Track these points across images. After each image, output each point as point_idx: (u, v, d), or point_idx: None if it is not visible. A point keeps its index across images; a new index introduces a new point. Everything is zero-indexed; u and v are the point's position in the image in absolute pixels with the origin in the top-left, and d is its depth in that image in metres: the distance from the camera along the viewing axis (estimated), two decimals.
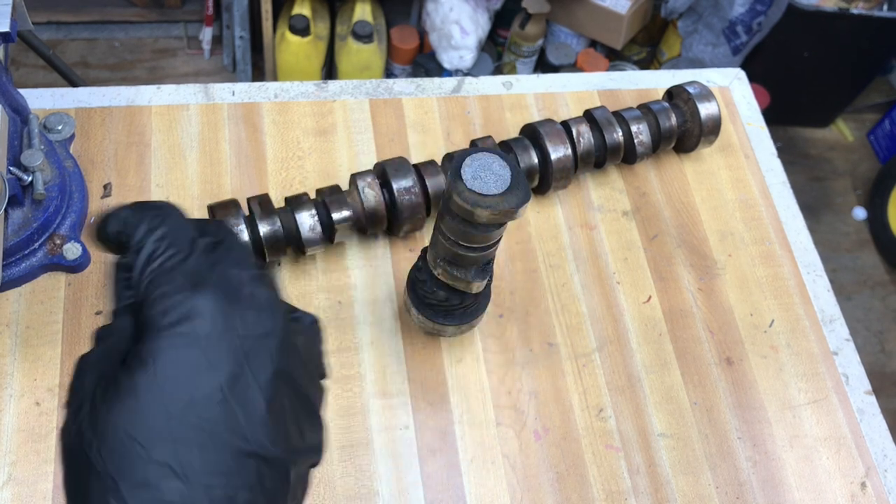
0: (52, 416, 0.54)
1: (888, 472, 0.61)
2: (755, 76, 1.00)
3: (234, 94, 0.70)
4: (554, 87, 0.76)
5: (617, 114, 0.69)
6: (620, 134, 0.68)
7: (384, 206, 0.61)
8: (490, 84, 0.75)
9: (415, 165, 0.62)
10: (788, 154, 2.06)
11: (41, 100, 0.67)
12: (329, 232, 0.60)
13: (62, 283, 0.59)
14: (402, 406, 0.58)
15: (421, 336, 0.61)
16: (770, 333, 0.65)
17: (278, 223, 0.58)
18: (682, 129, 0.71)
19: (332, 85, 0.72)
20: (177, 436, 0.28)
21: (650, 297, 0.65)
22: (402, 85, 0.74)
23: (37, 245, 0.57)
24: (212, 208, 0.58)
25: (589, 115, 0.68)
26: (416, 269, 0.57)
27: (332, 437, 0.56)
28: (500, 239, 0.50)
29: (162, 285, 0.31)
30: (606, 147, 0.67)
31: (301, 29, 1.69)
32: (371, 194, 0.60)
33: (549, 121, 0.66)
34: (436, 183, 0.62)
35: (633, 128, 0.68)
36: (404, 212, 0.60)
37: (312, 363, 0.35)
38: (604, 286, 0.65)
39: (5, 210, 0.53)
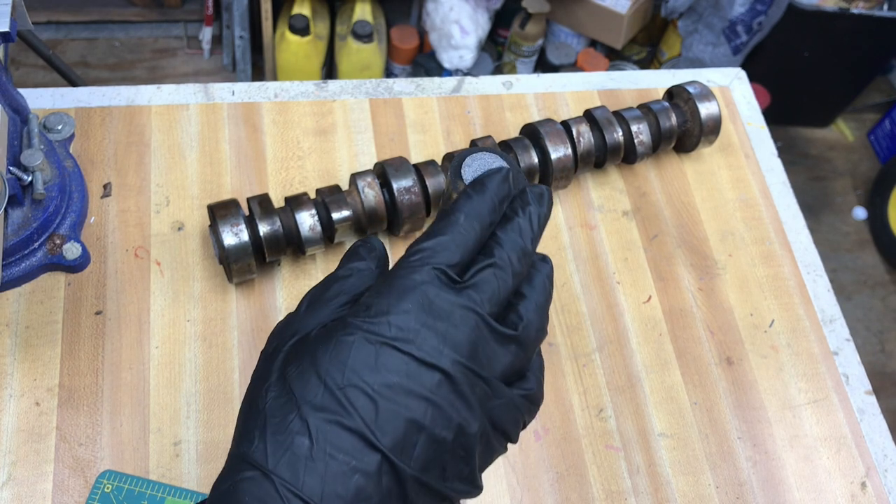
0: (52, 416, 0.54)
1: (888, 472, 0.61)
2: (755, 76, 1.00)
3: (233, 94, 0.70)
4: (554, 86, 0.76)
5: (617, 113, 0.69)
6: (620, 134, 0.68)
7: (384, 206, 0.61)
8: (490, 84, 0.75)
9: (415, 165, 0.62)
10: (789, 154, 2.06)
11: (41, 99, 0.67)
12: (329, 232, 0.60)
13: (62, 282, 0.59)
14: None
15: None
16: (770, 333, 0.65)
17: (278, 223, 0.58)
18: (683, 128, 0.71)
19: (332, 85, 0.72)
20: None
21: (650, 297, 0.65)
22: (402, 85, 0.74)
23: (36, 245, 0.57)
24: (211, 208, 0.58)
25: (589, 115, 0.68)
26: None
27: None
28: None
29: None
30: (606, 147, 0.67)
31: (301, 28, 1.69)
32: (371, 194, 0.60)
33: (549, 120, 0.66)
34: (436, 183, 0.62)
35: (634, 127, 0.68)
36: (404, 211, 0.60)
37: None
38: (604, 286, 0.65)
39: (5, 210, 0.53)
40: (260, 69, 1.89)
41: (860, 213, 1.98)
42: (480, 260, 0.35)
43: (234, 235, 0.56)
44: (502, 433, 0.35)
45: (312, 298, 0.37)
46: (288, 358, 0.33)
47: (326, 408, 0.30)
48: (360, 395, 0.31)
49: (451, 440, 0.32)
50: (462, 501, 0.35)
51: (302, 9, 1.72)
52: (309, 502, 0.29)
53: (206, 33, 1.91)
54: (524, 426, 0.37)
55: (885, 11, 1.74)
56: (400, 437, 0.31)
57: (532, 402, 0.36)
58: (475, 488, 0.35)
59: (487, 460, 0.35)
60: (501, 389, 0.34)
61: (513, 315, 0.35)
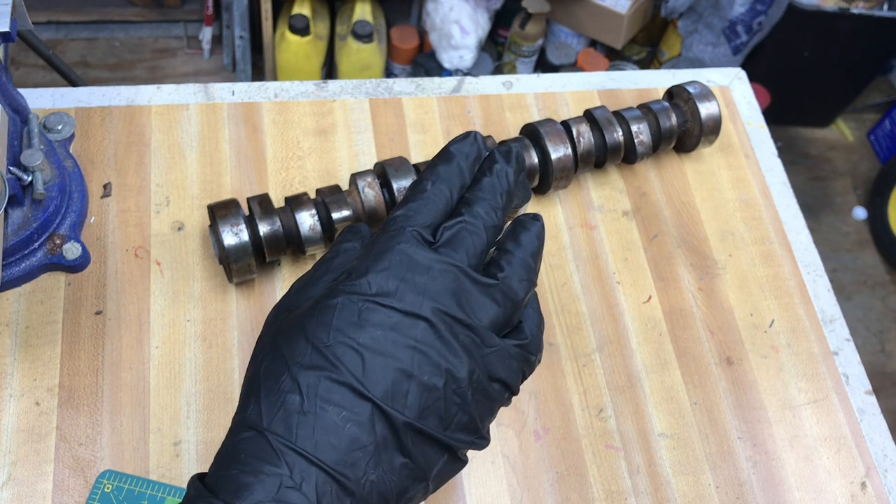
0: (52, 416, 0.54)
1: (888, 472, 0.61)
2: (755, 76, 1.00)
3: (233, 94, 0.70)
4: (554, 86, 0.76)
5: (617, 113, 0.69)
6: (620, 134, 0.68)
7: (384, 206, 0.61)
8: (490, 84, 0.75)
9: (415, 165, 0.62)
10: (789, 154, 2.06)
11: (41, 99, 0.67)
12: (329, 231, 0.60)
13: (62, 283, 0.59)
14: None
15: None
16: (770, 333, 0.65)
17: (278, 223, 0.58)
18: (683, 128, 0.71)
19: (332, 85, 0.72)
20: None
21: (650, 297, 0.65)
22: (402, 85, 0.74)
23: (36, 245, 0.57)
24: (212, 208, 0.58)
25: (589, 115, 0.68)
26: None
27: None
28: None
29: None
30: (606, 147, 0.67)
31: (301, 28, 1.69)
32: (371, 194, 0.60)
33: (549, 120, 0.66)
34: None
35: (634, 127, 0.68)
36: None
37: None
38: (604, 286, 0.65)
39: (5, 210, 0.53)
40: (260, 69, 1.89)
41: (860, 213, 1.98)
42: (451, 220, 0.36)
43: (234, 235, 0.56)
44: (501, 383, 0.36)
45: (302, 280, 0.38)
46: (280, 330, 0.35)
47: (315, 365, 0.32)
48: (347, 351, 0.32)
49: (443, 386, 0.33)
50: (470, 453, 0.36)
51: (302, 9, 1.72)
52: (302, 453, 0.30)
53: (206, 33, 1.91)
54: (524, 377, 0.38)
55: (885, 11, 1.74)
56: (390, 386, 0.32)
57: (528, 352, 0.37)
58: (480, 439, 0.36)
59: (488, 410, 0.36)
60: (491, 338, 0.35)
61: (493, 267, 0.37)
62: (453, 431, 0.34)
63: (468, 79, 0.75)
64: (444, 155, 0.39)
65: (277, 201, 0.63)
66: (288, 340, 0.33)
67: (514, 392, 0.38)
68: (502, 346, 0.36)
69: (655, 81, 0.79)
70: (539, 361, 0.39)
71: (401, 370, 0.32)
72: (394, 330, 0.32)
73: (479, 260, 0.36)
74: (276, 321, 0.37)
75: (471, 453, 0.57)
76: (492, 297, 0.35)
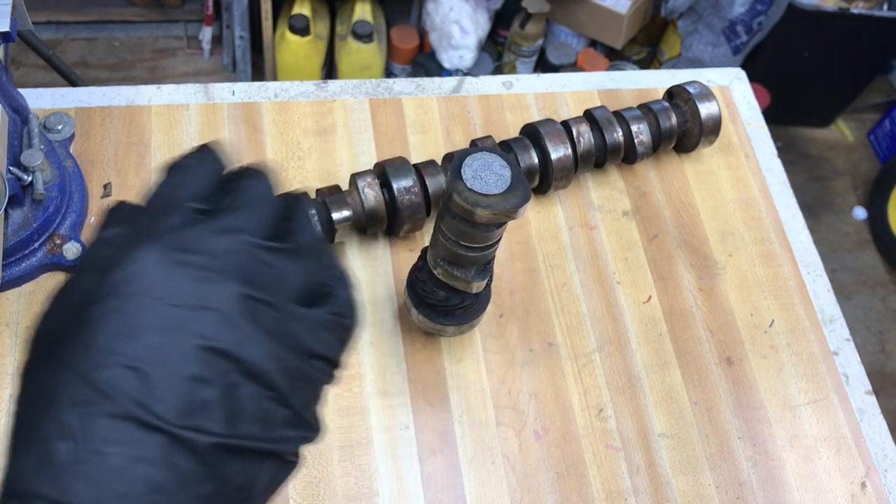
0: None
1: (888, 472, 0.61)
2: (755, 76, 1.00)
3: (233, 94, 0.70)
4: (554, 86, 0.76)
5: (617, 113, 0.69)
6: (620, 134, 0.68)
7: (384, 206, 0.61)
8: (490, 84, 0.75)
9: (415, 165, 0.62)
10: (788, 154, 2.06)
11: (41, 100, 0.67)
12: (329, 232, 0.60)
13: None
14: (402, 406, 0.58)
15: (421, 336, 0.61)
16: (770, 333, 0.65)
17: None
18: (683, 128, 0.71)
19: (332, 85, 0.72)
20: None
21: (650, 297, 0.65)
22: (402, 85, 0.74)
23: (37, 245, 0.57)
24: None
25: (589, 115, 0.68)
26: (416, 269, 0.57)
27: (332, 436, 0.56)
28: (500, 239, 0.50)
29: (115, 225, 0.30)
30: (606, 147, 0.67)
31: (301, 29, 1.69)
32: (371, 194, 0.60)
33: (549, 120, 0.66)
34: (436, 183, 0.62)
35: (634, 127, 0.68)
36: (404, 212, 0.60)
37: (304, 357, 0.30)
38: (604, 286, 0.65)
39: (5, 210, 0.53)
40: (260, 69, 1.89)
41: (860, 213, 1.98)
42: (232, 182, 0.31)
43: None
44: (321, 359, 0.30)
45: (57, 289, 0.31)
46: (36, 361, 0.29)
47: (84, 400, 0.25)
48: (119, 371, 0.25)
49: (249, 382, 0.27)
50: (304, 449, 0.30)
51: (302, 9, 1.71)
52: None
53: (206, 33, 1.91)
54: (343, 345, 0.32)
55: (885, 11, 1.74)
56: (183, 402, 0.25)
57: (343, 317, 0.31)
58: (309, 430, 0.30)
59: (311, 395, 0.30)
60: (298, 311, 0.29)
61: (282, 233, 0.31)
62: (274, 432, 0.28)
63: (468, 79, 0.75)
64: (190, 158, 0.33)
65: None
66: (47, 373, 0.27)
67: (337, 365, 0.31)
68: (311, 316, 0.30)
69: (655, 81, 0.79)
70: (356, 324, 0.33)
71: (192, 377, 0.26)
72: (174, 330, 0.26)
73: (272, 232, 0.30)
74: (35, 349, 0.29)
75: (465, 454, 0.57)
76: (292, 263, 0.30)
